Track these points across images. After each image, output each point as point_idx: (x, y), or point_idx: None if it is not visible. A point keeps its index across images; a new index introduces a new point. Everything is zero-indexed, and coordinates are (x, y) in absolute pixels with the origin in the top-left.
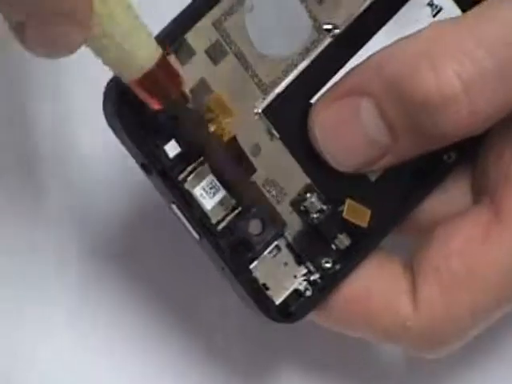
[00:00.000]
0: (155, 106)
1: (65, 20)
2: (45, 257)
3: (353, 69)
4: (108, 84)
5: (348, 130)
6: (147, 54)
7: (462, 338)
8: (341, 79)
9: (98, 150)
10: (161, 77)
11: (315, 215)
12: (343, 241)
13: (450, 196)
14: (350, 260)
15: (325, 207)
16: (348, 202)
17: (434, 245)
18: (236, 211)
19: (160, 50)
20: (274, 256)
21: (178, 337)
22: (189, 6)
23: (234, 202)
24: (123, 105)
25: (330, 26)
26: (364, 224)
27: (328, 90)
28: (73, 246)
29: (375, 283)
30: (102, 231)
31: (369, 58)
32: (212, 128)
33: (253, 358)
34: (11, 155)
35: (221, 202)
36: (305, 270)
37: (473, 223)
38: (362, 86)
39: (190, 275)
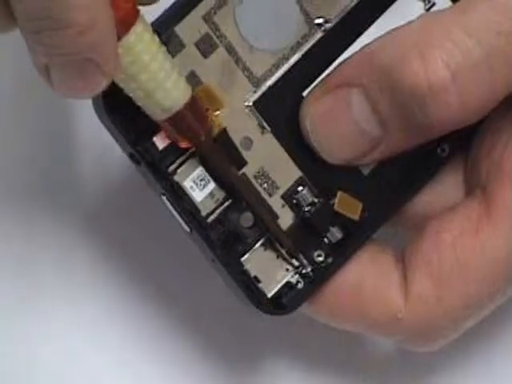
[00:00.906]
0: (184, 144)
1: (89, 65)
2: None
3: (344, 61)
4: None
5: (339, 122)
6: (177, 96)
7: (455, 330)
8: (332, 71)
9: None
10: (190, 117)
11: (307, 208)
12: (335, 234)
13: (443, 189)
14: (342, 253)
15: (316, 200)
16: (339, 194)
17: (426, 238)
18: (226, 203)
19: (190, 91)
20: (266, 249)
21: (177, 335)
22: (177, 0)
23: (224, 194)
24: (111, 97)
25: (321, 21)
26: (356, 217)
27: (319, 83)
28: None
29: (366, 275)
30: (112, 230)
31: (359, 50)
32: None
33: (250, 353)
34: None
35: (211, 194)
36: (297, 263)
37: (465, 216)
38: (353, 77)
39: (189, 271)
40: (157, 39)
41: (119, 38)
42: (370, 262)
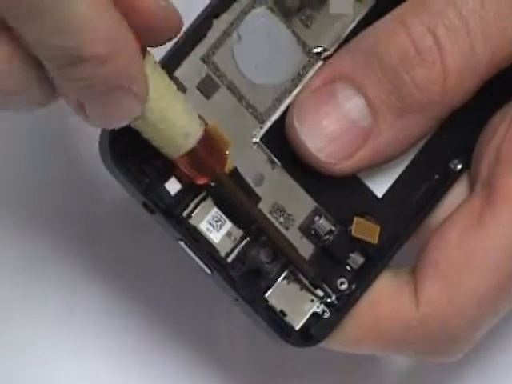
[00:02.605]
0: (201, 181)
1: (120, 92)
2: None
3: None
4: (103, 129)
5: (327, 116)
6: (192, 130)
7: (471, 330)
8: (316, 73)
9: None
10: (205, 151)
11: (325, 237)
12: (356, 260)
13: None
14: (364, 278)
15: (334, 228)
16: (356, 220)
17: (432, 242)
18: (245, 241)
19: (203, 125)
20: (289, 282)
21: (184, 343)
22: (175, 44)
23: (241, 232)
24: (119, 149)
25: (319, 50)
26: (374, 241)
27: (305, 86)
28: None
29: (380, 294)
30: (112, 236)
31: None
32: None
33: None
34: None
35: (228, 234)
36: (321, 293)
37: (467, 213)
38: (337, 70)
39: (196, 281)
40: (165, 74)
41: None
42: (384, 280)
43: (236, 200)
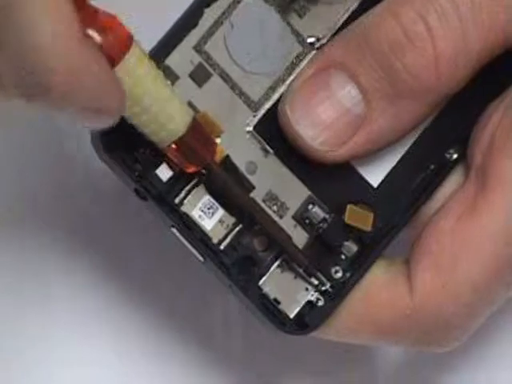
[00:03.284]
0: (191, 169)
1: (98, 111)
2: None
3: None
4: None
5: (320, 104)
6: (180, 118)
7: (466, 317)
8: (309, 61)
9: None
10: (195, 140)
11: (319, 225)
12: (350, 247)
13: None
14: (359, 266)
15: (328, 216)
16: (349, 207)
17: (426, 230)
18: (237, 228)
19: (192, 113)
20: (283, 270)
21: (182, 339)
22: (166, 33)
23: (234, 219)
24: (109, 136)
25: (313, 40)
26: (367, 228)
27: (298, 75)
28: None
29: (375, 285)
30: (112, 239)
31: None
32: None
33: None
34: None
35: (220, 221)
36: (316, 282)
37: (460, 201)
38: (330, 58)
39: (194, 277)
40: (153, 63)
41: (118, 62)
42: (378, 270)
43: (227, 189)
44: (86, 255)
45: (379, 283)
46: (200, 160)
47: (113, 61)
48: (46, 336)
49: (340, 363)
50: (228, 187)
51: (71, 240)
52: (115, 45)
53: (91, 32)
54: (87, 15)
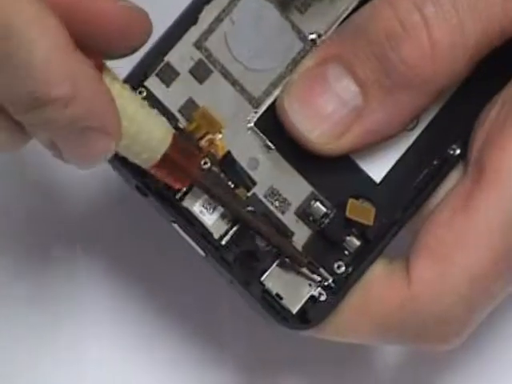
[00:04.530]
0: (178, 186)
1: (90, 132)
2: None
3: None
4: None
5: (317, 96)
6: (160, 137)
7: (464, 310)
8: (307, 56)
9: None
10: (177, 156)
11: (321, 221)
12: (353, 242)
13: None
14: (361, 261)
15: (330, 211)
16: (350, 201)
17: (424, 225)
18: (239, 224)
19: (172, 131)
20: (285, 266)
21: (188, 335)
22: (167, 30)
23: None
24: None
25: (314, 36)
26: (369, 222)
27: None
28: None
29: (374, 280)
30: (114, 241)
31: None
32: (204, 145)
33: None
34: None
35: (222, 216)
36: (318, 277)
37: (457, 195)
38: (327, 51)
39: (201, 275)
40: (127, 86)
41: None
42: (379, 266)
43: (217, 199)
44: (88, 254)
45: (379, 277)
46: (187, 175)
47: None
48: (47, 337)
49: (340, 363)
50: (217, 199)
51: (71, 240)
52: None
53: None
54: None
